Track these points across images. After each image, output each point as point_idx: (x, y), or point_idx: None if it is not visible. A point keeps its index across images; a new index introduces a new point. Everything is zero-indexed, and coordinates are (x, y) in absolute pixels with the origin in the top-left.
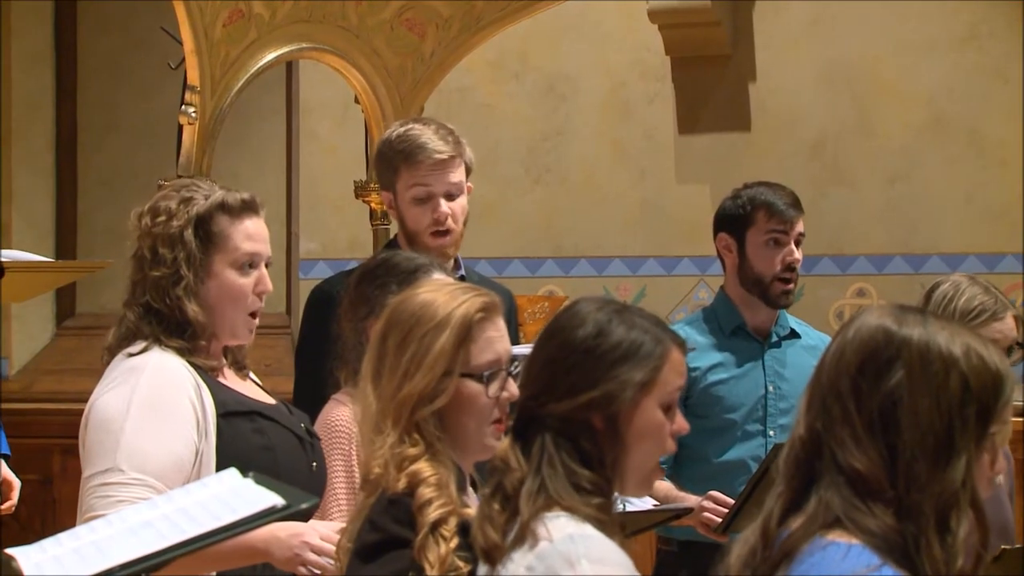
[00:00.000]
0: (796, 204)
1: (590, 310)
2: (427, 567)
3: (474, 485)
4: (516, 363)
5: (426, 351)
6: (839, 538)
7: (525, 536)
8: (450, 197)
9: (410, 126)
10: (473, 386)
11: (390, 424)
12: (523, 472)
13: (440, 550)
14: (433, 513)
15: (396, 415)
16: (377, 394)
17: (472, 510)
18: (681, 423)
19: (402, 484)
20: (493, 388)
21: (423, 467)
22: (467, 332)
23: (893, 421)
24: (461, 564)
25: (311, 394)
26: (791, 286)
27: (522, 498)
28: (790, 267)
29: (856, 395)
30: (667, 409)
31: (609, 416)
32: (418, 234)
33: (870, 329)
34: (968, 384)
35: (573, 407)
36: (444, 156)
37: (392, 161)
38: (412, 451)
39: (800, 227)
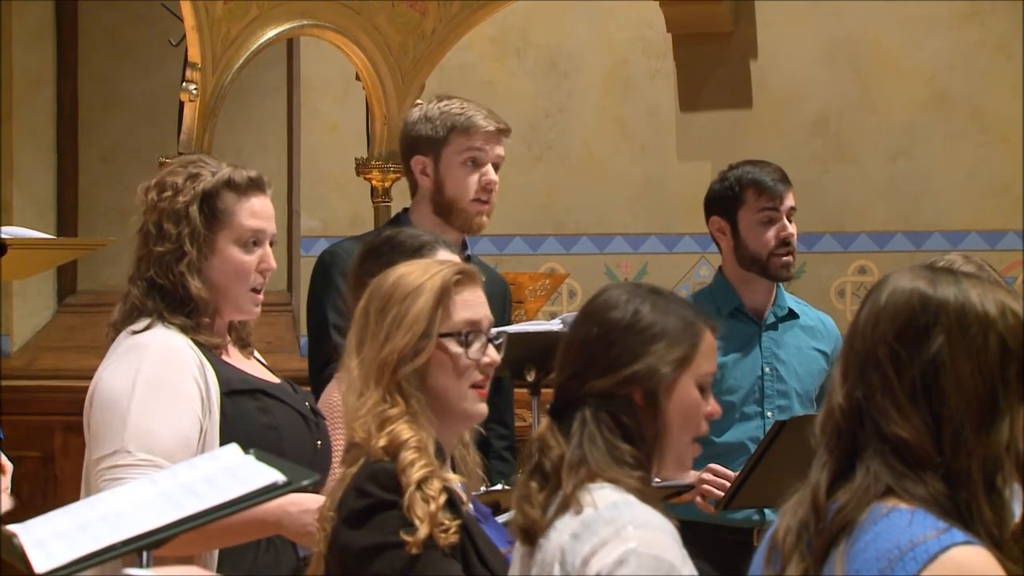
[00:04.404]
0: (784, 179)
1: (623, 293)
2: (416, 522)
3: (453, 465)
4: (500, 338)
5: (405, 313)
6: (899, 504)
7: (569, 505)
8: (495, 169)
9: (458, 100)
10: (453, 347)
11: (372, 384)
12: (562, 450)
13: (429, 507)
14: (416, 473)
15: (378, 375)
16: (359, 362)
17: (452, 477)
18: (714, 406)
19: (383, 443)
20: (474, 350)
21: (403, 429)
22: (445, 294)
23: (936, 388)
24: (447, 521)
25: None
26: (789, 258)
27: (564, 471)
28: (785, 242)
29: (895, 363)
30: (701, 390)
31: (649, 391)
32: (458, 200)
33: (905, 293)
34: (1007, 344)
35: (615, 382)
36: (503, 127)
37: (444, 125)
38: (393, 411)
39: (790, 201)
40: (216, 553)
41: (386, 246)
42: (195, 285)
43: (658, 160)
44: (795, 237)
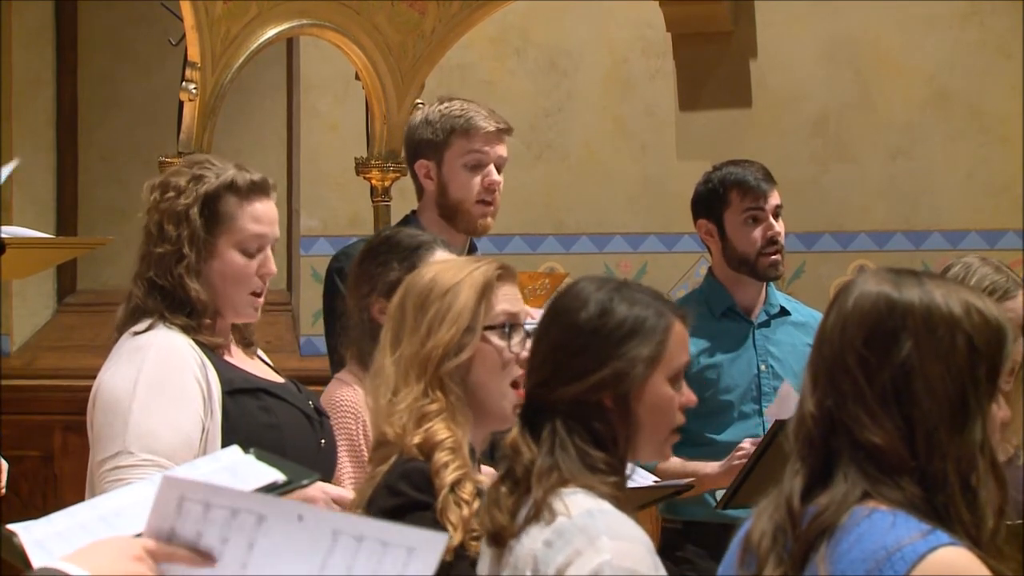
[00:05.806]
0: (768, 177)
1: (590, 290)
2: (450, 528)
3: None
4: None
5: (448, 307)
6: (879, 506)
7: (541, 511)
8: (498, 170)
9: (459, 102)
10: (496, 340)
11: (414, 378)
12: (533, 455)
13: (462, 512)
14: (450, 476)
15: (421, 369)
16: (395, 359)
17: (483, 479)
18: (689, 395)
19: (417, 440)
20: (515, 343)
21: (439, 428)
22: (488, 288)
23: (907, 392)
24: (479, 527)
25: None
26: (777, 257)
27: (534, 477)
28: (772, 240)
29: (865, 369)
30: (674, 382)
31: (620, 395)
32: (462, 202)
33: (870, 298)
34: (974, 344)
35: (583, 389)
36: (503, 126)
37: (444, 128)
38: (433, 407)
39: (775, 199)
40: None
41: (384, 246)
42: (194, 288)
43: (658, 160)
44: (783, 235)
